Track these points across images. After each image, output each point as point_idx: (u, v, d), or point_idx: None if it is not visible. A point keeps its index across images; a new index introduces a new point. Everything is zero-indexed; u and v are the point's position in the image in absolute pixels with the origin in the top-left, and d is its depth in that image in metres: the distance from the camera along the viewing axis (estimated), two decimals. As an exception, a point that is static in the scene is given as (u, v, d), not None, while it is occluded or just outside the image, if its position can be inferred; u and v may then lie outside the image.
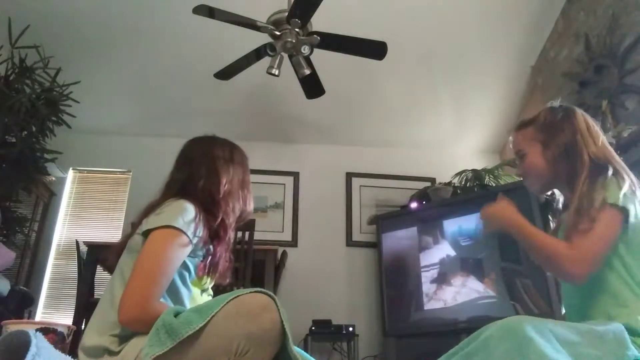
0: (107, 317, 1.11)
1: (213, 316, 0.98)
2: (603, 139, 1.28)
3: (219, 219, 1.28)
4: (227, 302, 1.00)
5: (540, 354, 0.84)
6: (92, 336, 1.11)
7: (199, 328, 0.97)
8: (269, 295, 1.02)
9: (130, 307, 1.06)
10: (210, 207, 1.28)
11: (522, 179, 1.43)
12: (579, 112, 1.33)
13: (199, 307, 1.03)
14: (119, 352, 1.06)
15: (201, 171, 1.33)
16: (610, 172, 1.19)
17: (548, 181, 1.34)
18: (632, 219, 1.13)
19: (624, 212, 1.12)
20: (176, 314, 1.02)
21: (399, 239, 3.66)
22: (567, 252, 1.10)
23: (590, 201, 1.15)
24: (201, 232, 1.21)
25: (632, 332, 1.03)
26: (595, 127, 1.31)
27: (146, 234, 1.16)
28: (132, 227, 1.30)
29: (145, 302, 1.06)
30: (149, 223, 1.18)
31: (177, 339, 0.96)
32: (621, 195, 1.13)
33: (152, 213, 1.23)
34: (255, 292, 1.03)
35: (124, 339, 1.08)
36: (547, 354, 0.84)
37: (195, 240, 1.19)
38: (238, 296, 1.02)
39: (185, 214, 1.18)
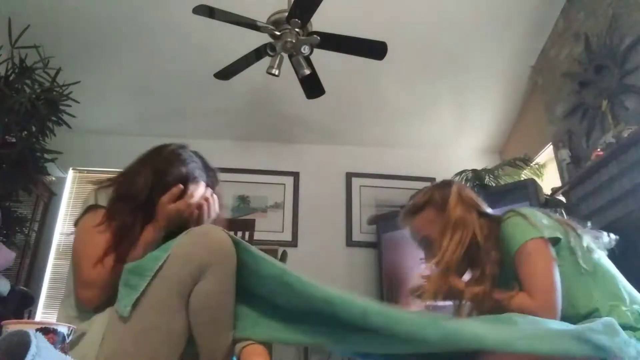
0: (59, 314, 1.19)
1: (174, 247, 1.06)
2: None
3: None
4: (180, 236, 1.09)
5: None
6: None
7: (165, 259, 1.03)
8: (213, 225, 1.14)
9: (80, 291, 1.14)
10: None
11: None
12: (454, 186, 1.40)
13: (160, 247, 1.10)
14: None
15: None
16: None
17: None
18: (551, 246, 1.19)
19: (543, 239, 1.18)
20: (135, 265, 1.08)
21: (399, 238, 3.66)
22: (532, 305, 1.12)
23: (508, 249, 1.21)
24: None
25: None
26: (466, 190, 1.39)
27: (75, 224, 1.25)
28: None
29: (87, 280, 1.12)
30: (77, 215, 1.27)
31: (148, 274, 1.02)
32: (530, 228, 1.19)
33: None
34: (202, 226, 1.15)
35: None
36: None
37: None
38: (186, 231, 1.11)
39: (100, 193, 1.25)
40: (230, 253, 1.07)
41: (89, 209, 1.22)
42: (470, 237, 1.27)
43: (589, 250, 1.20)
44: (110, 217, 1.20)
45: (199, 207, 1.26)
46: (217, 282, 1.05)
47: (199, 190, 1.28)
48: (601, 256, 1.23)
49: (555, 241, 1.20)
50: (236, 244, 1.09)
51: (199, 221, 1.26)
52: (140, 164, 1.34)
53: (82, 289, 1.13)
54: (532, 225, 1.19)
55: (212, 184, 1.37)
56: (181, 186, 1.24)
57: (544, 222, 1.21)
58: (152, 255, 1.07)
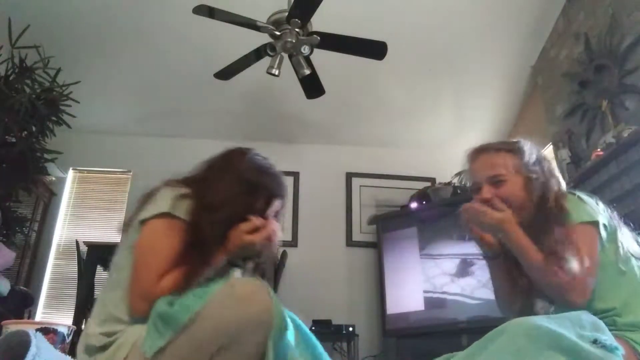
0: (98, 314, 1.13)
1: (209, 300, 0.99)
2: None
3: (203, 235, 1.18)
4: (220, 288, 1.01)
5: (552, 331, 0.90)
6: (89, 332, 1.12)
7: (197, 312, 0.98)
8: (261, 283, 1.03)
9: (134, 298, 1.08)
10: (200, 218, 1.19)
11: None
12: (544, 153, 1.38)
13: (195, 292, 1.04)
14: (105, 348, 1.06)
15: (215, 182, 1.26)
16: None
17: (520, 218, 1.27)
18: (602, 232, 1.18)
19: (596, 225, 1.18)
20: (169, 303, 1.03)
21: (399, 239, 3.66)
22: (568, 281, 1.10)
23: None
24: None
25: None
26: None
27: (143, 222, 1.16)
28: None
29: (146, 291, 1.07)
30: (146, 211, 1.17)
31: (178, 326, 0.97)
32: (588, 211, 1.19)
33: (149, 201, 1.21)
34: (248, 279, 1.05)
35: (111, 334, 1.08)
36: (558, 330, 0.90)
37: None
38: (230, 282, 1.04)
39: (177, 197, 1.18)
40: (267, 331, 0.98)
41: (164, 215, 1.14)
42: (537, 200, 1.26)
43: (629, 251, 1.20)
44: (193, 229, 1.14)
45: (270, 238, 1.22)
46: (244, 356, 0.98)
47: (275, 226, 1.24)
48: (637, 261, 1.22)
49: (605, 228, 1.20)
50: (278, 317, 1.00)
51: (263, 251, 1.23)
52: (221, 171, 1.27)
53: (137, 300, 1.07)
54: (587, 210, 1.20)
55: (285, 197, 1.35)
56: (261, 220, 1.20)
57: (600, 209, 1.22)
58: (185, 303, 1.00)
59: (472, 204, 1.29)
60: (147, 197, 1.23)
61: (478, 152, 1.39)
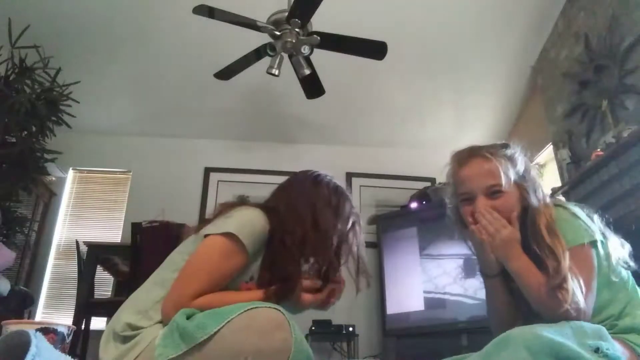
0: (143, 298, 1.13)
1: (226, 323, 0.97)
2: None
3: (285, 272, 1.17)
4: (241, 313, 0.98)
5: (553, 340, 0.88)
6: (121, 317, 1.12)
7: (212, 333, 0.96)
8: (284, 314, 1.00)
9: (167, 304, 1.07)
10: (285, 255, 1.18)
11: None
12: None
13: (215, 312, 1.02)
14: (125, 340, 1.06)
15: (300, 220, 1.21)
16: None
17: None
18: (600, 250, 1.12)
19: (594, 246, 1.11)
20: (189, 316, 1.02)
21: (399, 239, 3.66)
22: (573, 311, 1.03)
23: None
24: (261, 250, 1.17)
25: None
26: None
27: (206, 236, 1.14)
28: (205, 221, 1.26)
29: (180, 303, 1.06)
30: (214, 226, 1.15)
31: (192, 343, 0.95)
32: (585, 229, 1.11)
33: (223, 215, 1.18)
34: (271, 307, 1.00)
35: (137, 328, 1.08)
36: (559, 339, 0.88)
37: (253, 254, 1.15)
38: (253, 308, 0.99)
39: (252, 225, 1.14)
40: None
41: (228, 235, 1.11)
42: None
43: (618, 259, 1.15)
44: (270, 258, 1.15)
45: (326, 302, 1.21)
46: None
47: (341, 283, 1.25)
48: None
49: (602, 245, 1.14)
50: (297, 353, 0.98)
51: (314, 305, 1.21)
52: (299, 200, 1.25)
53: (169, 305, 1.07)
54: (584, 228, 1.12)
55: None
56: (321, 283, 1.18)
57: (593, 224, 1.15)
58: (203, 321, 0.98)
59: (488, 212, 1.14)
60: (225, 208, 1.21)
61: (470, 156, 1.22)
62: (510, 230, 1.12)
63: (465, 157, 1.23)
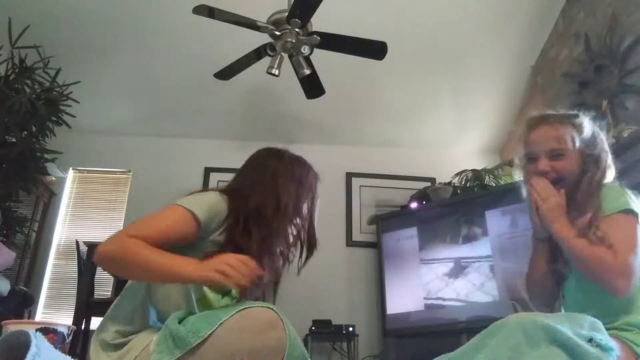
0: (125, 305, 1.15)
1: (219, 325, 0.97)
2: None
3: (261, 238, 1.19)
4: (234, 314, 0.99)
5: (552, 327, 0.91)
6: (105, 327, 1.14)
7: (206, 336, 0.96)
8: (277, 313, 1.00)
9: (109, 239, 1.07)
10: (256, 223, 1.20)
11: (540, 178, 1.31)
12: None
13: (207, 314, 1.02)
14: (117, 347, 1.07)
15: (254, 185, 1.28)
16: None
17: (568, 195, 1.28)
18: None
19: (637, 217, 1.18)
20: (180, 320, 1.02)
21: (399, 239, 3.66)
22: (614, 263, 1.10)
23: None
24: (217, 229, 1.18)
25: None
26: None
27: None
28: None
29: (118, 236, 1.07)
30: (180, 199, 1.20)
31: (185, 348, 0.96)
32: (630, 201, 1.19)
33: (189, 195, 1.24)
34: (263, 307, 1.01)
35: (126, 334, 1.09)
36: (557, 327, 0.91)
37: (206, 229, 1.16)
38: (245, 309, 1.00)
39: (208, 204, 1.17)
40: None
41: (188, 211, 1.15)
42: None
43: None
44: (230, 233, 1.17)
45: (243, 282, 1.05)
46: None
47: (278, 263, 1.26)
48: None
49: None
50: (292, 350, 0.99)
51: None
52: (263, 175, 1.31)
53: (111, 238, 1.09)
54: (631, 201, 1.20)
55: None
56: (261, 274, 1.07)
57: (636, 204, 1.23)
58: (195, 325, 0.99)
59: (541, 180, 1.28)
60: (191, 193, 1.26)
61: (540, 121, 1.35)
62: (558, 199, 1.24)
63: (535, 122, 1.36)
